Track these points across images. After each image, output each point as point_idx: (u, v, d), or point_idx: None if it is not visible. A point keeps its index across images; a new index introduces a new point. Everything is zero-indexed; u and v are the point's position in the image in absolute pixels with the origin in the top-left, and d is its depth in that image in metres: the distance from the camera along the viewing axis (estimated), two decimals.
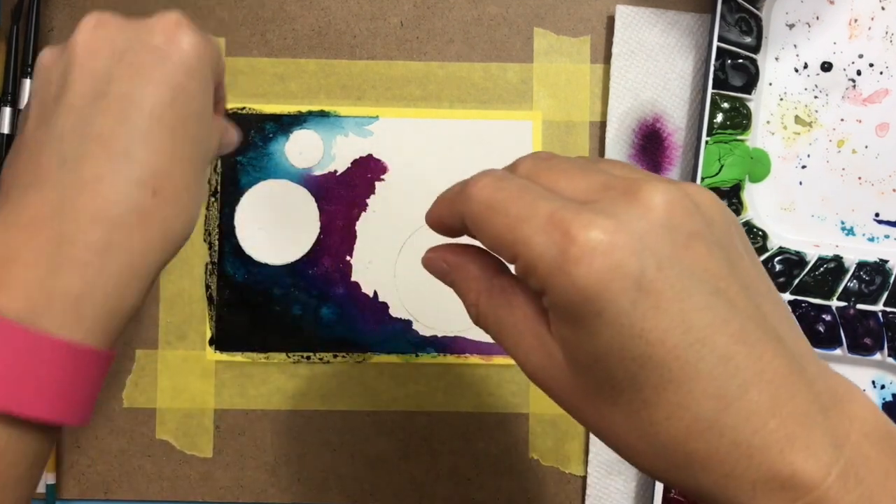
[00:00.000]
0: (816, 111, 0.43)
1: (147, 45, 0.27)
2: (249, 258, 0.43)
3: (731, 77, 0.42)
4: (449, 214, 0.26)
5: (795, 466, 0.20)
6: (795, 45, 0.43)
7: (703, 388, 0.20)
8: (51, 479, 0.42)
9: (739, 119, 0.42)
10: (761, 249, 0.42)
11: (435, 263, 0.28)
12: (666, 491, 0.41)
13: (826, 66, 0.43)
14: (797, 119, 0.43)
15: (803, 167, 0.43)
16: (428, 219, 0.28)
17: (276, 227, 0.43)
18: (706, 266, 0.21)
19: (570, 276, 0.21)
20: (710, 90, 0.41)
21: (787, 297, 0.42)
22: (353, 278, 0.43)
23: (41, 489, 0.43)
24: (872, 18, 0.43)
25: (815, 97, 0.43)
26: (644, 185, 0.22)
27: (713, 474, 0.21)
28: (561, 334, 0.22)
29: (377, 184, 0.44)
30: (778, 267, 0.42)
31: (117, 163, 0.26)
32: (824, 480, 0.20)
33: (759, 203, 0.43)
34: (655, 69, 0.43)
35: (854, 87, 0.43)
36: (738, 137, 0.42)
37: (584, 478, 0.43)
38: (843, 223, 0.43)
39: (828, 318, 0.42)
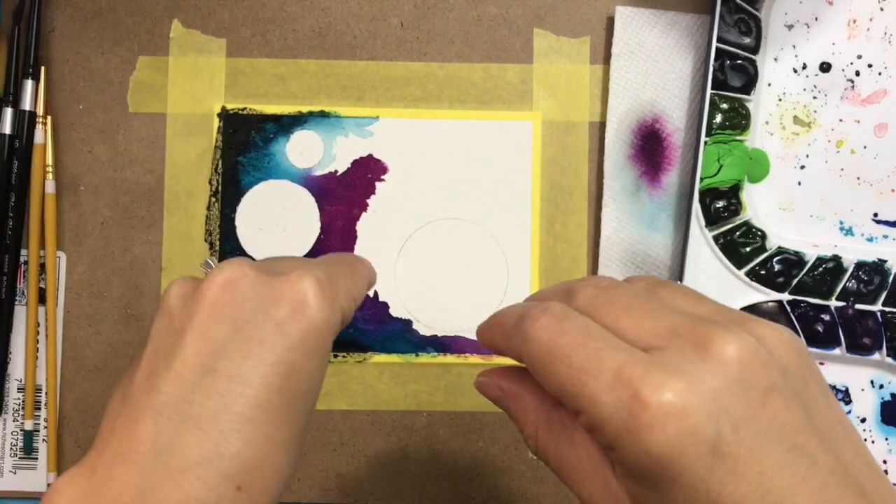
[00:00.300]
0: (815, 111, 0.43)
1: (270, 317, 0.25)
2: (250, 258, 0.43)
3: (730, 77, 0.42)
4: (505, 346, 0.25)
5: None
6: (794, 46, 0.43)
7: None
8: (51, 478, 0.43)
9: (738, 119, 0.42)
10: (760, 249, 0.42)
11: (489, 389, 0.27)
12: None
13: (825, 67, 0.43)
14: (796, 119, 0.43)
15: (802, 167, 0.43)
16: (479, 338, 0.27)
17: (276, 227, 0.44)
18: (783, 421, 0.20)
19: (642, 442, 0.20)
20: (709, 91, 0.41)
21: (786, 296, 0.42)
22: None
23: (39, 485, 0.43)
24: (871, 19, 0.43)
25: (814, 97, 0.43)
26: (715, 336, 0.21)
27: None
28: (629, 488, 0.22)
29: (377, 184, 0.44)
30: (777, 267, 0.42)
31: (208, 453, 0.24)
32: None
33: (758, 203, 0.43)
34: (655, 70, 0.44)
35: (853, 87, 0.43)
36: (737, 138, 0.42)
37: None
38: (841, 223, 0.43)
39: (826, 317, 0.42)
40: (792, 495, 0.20)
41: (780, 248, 0.42)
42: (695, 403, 0.20)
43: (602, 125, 0.44)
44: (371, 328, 0.43)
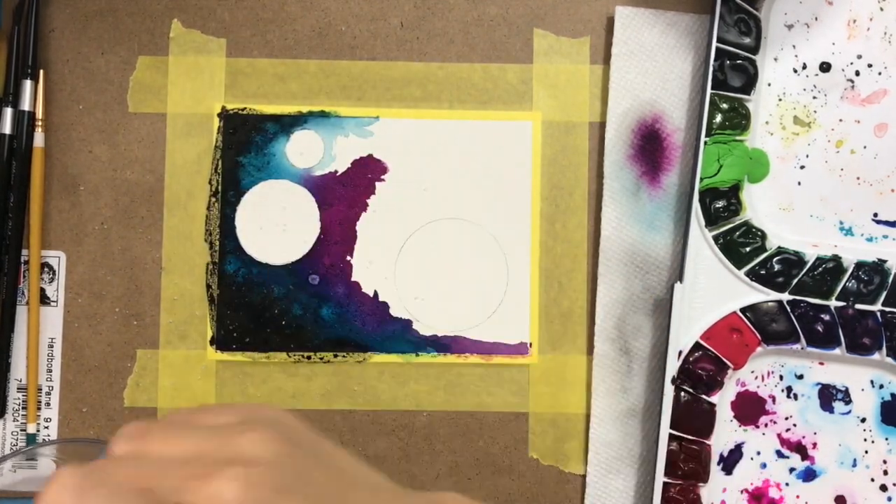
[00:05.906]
0: (815, 111, 0.43)
1: None
2: (250, 258, 0.44)
3: (729, 77, 0.42)
4: None
5: None
6: (794, 46, 0.43)
7: None
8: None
9: (738, 119, 0.42)
10: (760, 249, 0.42)
11: None
12: (665, 490, 0.41)
13: (825, 67, 0.43)
14: (796, 119, 0.43)
15: (802, 167, 0.43)
16: None
17: (276, 227, 0.44)
18: None
19: None
20: (709, 90, 0.41)
21: (786, 296, 0.42)
22: (353, 278, 0.44)
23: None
24: (871, 19, 0.43)
25: (814, 97, 0.43)
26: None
27: None
28: None
29: (377, 184, 0.44)
30: (777, 267, 0.42)
31: None
32: None
33: (758, 203, 0.43)
34: (655, 70, 0.44)
35: (852, 87, 0.43)
36: (737, 138, 0.42)
37: (584, 477, 0.43)
38: (841, 223, 0.43)
39: (826, 317, 0.42)
40: None
41: (779, 248, 0.43)
42: None
43: (602, 125, 0.44)
44: (371, 328, 0.43)
